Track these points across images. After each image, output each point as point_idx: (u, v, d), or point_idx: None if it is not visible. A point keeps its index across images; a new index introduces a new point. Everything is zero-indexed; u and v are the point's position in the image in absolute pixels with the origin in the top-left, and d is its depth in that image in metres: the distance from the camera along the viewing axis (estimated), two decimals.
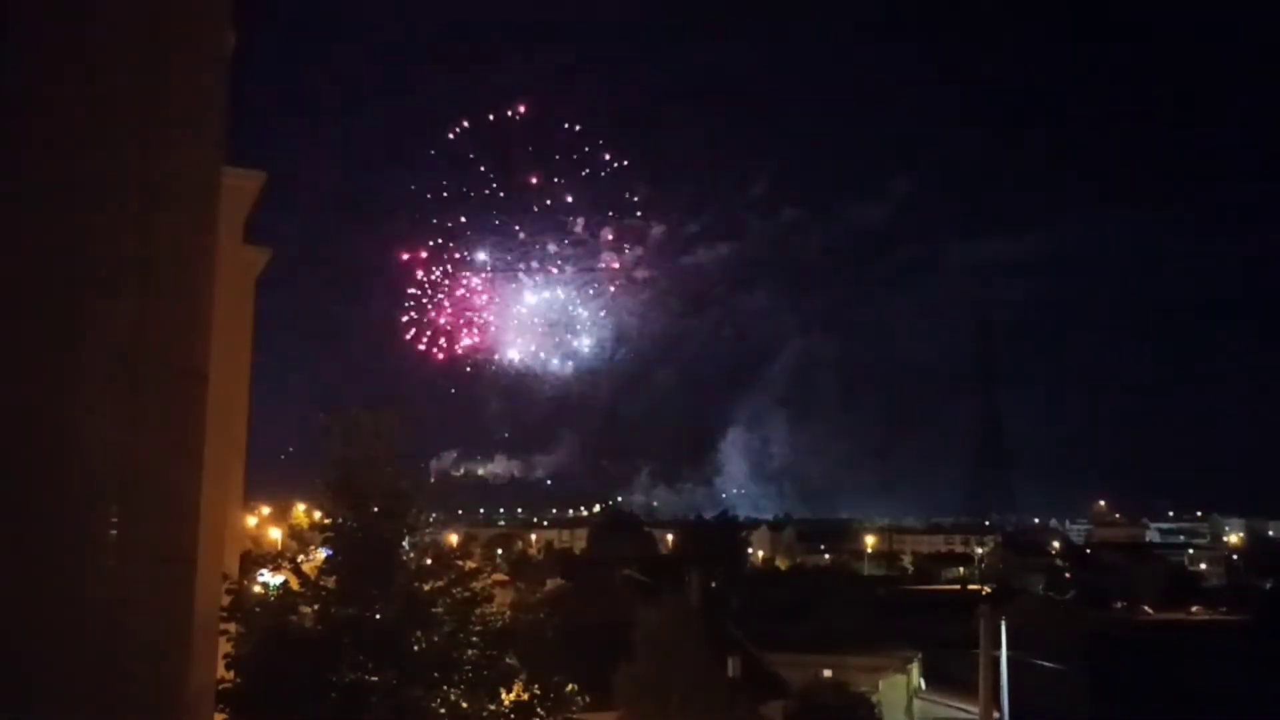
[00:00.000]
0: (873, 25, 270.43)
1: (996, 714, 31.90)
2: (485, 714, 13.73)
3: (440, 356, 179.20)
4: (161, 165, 3.57)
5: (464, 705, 13.49)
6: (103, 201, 3.46)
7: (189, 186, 3.71)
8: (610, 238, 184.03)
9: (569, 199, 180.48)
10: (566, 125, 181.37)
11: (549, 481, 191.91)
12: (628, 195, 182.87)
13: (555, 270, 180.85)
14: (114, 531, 3.36)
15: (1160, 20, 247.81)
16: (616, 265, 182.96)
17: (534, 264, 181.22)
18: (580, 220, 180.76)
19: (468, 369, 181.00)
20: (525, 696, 14.14)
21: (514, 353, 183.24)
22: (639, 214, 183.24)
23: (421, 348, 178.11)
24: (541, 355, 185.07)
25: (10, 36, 3.39)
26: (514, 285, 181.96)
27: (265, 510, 53.86)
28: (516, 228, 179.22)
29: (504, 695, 14.07)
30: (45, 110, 3.41)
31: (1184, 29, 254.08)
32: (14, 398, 3.27)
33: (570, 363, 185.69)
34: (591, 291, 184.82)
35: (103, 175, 3.46)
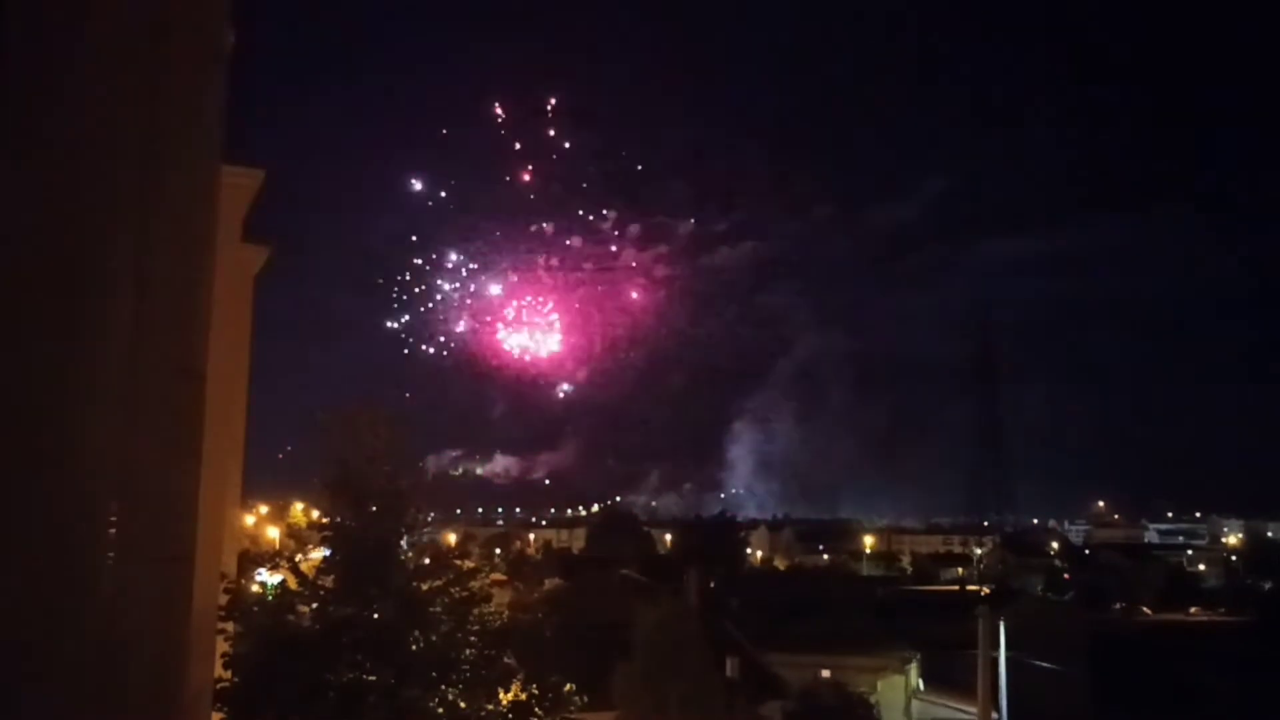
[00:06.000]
0: (894, 25, 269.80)
1: (995, 715, 31.92)
2: (483, 714, 13.73)
3: (445, 355, 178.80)
4: (161, 164, 3.58)
5: (462, 705, 13.49)
6: (102, 200, 3.46)
7: (188, 185, 3.72)
8: (635, 235, 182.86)
9: (596, 195, 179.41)
10: (591, 122, 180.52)
11: (548, 481, 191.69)
12: (653, 192, 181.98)
13: (575, 268, 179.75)
14: (112, 530, 3.37)
15: (1176, 21, 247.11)
16: (636, 264, 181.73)
17: (553, 262, 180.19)
18: (609, 216, 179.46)
19: (473, 369, 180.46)
20: (523, 696, 14.15)
21: (523, 353, 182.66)
22: (665, 213, 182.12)
23: (426, 346, 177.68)
24: (553, 356, 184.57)
25: (10, 36, 3.39)
26: (529, 284, 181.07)
27: (263, 509, 53.92)
28: (530, 220, 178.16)
29: (502, 695, 14.08)
30: (45, 110, 3.41)
31: (1202, 30, 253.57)
32: (13, 397, 3.27)
33: (581, 368, 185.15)
34: (610, 290, 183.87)
35: (102, 173, 3.46)
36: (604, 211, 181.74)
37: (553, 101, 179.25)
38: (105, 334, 3.41)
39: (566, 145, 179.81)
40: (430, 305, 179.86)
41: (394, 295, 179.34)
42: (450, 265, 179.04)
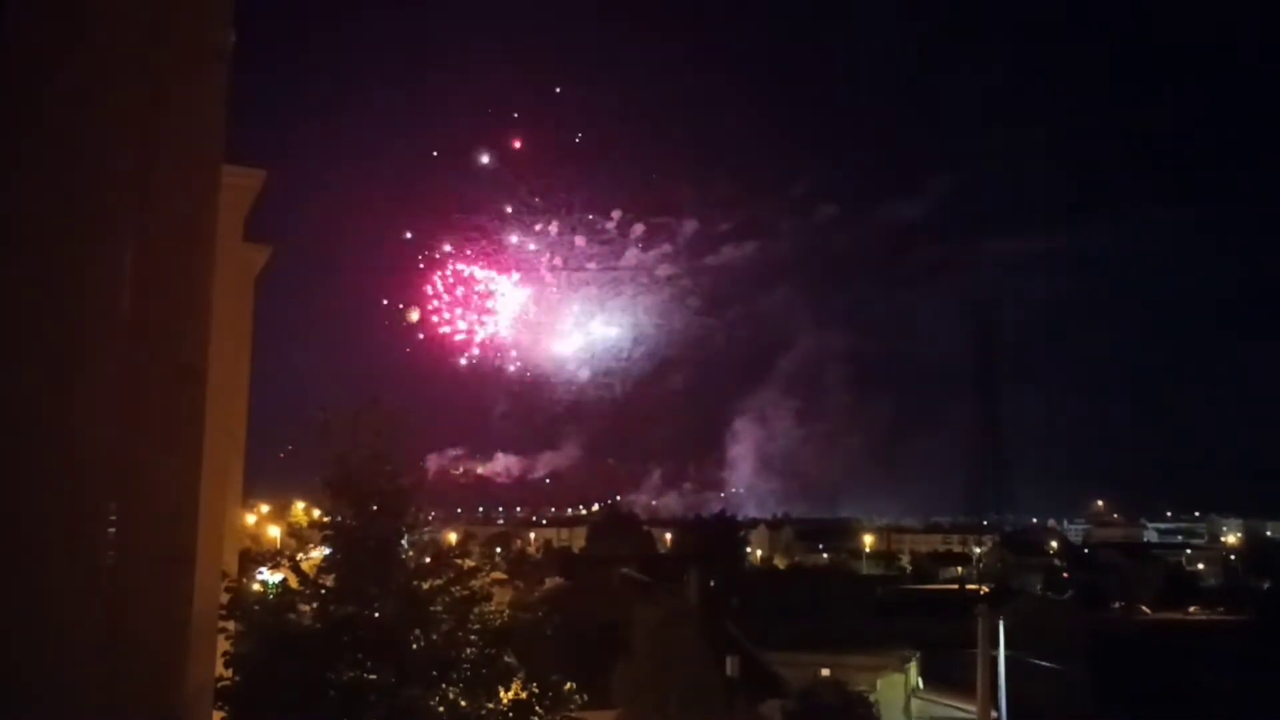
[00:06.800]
0: (896, 24, 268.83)
1: (994, 714, 31.93)
2: (483, 713, 13.73)
3: (446, 355, 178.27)
4: (161, 164, 3.58)
5: (462, 704, 13.49)
6: (102, 199, 3.46)
7: (189, 185, 3.72)
8: (639, 234, 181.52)
9: (599, 195, 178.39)
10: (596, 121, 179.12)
11: (548, 481, 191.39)
12: (656, 192, 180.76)
13: (579, 268, 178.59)
14: (113, 530, 3.37)
15: (1176, 21, 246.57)
16: (639, 264, 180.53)
17: (557, 262, 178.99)
18: (615, 215, 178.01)
19: (475, 368, 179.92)
20: (524, 695, 14.14)
21: (525, 354, 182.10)
22: (668, 212, 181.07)
23: (427, 346, 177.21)
24: (555, 356, 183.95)
25: (11, 37, 3.39)
26: (533, 284, 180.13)
27: (264, 508, 53.91)
28: (532, 220, 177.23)
29: (502, 694, 14.07)
30: (46, 110, 3.41)
31: (1203, 29, 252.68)
32: (14, 397, 3.27)
33: (585, 369, 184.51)
34: (613, 290, 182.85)
35: (103, 173, 3.46)
36: (607, 210, 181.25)
37: (554, 95, 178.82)
38: (105, 334, 3.41)
39: (570, 144, 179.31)
40: (431, 305, 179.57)
41: (394, 295, 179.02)
42: (451, 264, 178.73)
